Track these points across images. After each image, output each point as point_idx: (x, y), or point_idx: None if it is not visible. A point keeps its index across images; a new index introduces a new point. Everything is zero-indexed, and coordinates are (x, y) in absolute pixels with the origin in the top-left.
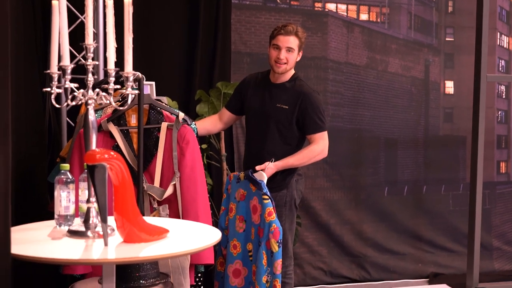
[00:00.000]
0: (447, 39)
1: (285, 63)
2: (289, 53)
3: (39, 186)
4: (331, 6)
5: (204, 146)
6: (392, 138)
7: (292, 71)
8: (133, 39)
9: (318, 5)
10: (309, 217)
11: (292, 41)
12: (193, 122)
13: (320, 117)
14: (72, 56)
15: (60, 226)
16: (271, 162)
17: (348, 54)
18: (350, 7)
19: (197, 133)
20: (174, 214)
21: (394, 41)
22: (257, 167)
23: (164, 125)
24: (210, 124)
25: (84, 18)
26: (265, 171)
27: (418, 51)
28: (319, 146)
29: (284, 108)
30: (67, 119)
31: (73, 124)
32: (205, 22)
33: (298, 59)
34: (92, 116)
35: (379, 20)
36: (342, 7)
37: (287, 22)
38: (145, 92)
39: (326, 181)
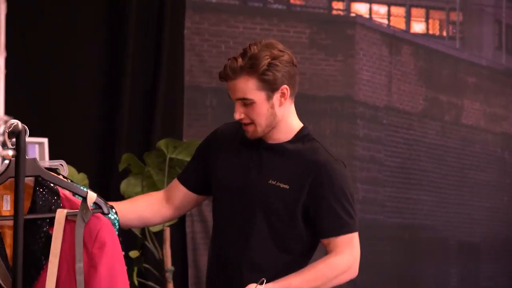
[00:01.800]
0: None
1: (250, 123)
2: (246, 108)
3: None
4: (360, 8)
5: (133, 253)
6: (472, 243)
7: (297, 124)
8: (11, 61)
9: (337, 5)
10: None
11: (240, 88)
12: (113, 210)
13: (347, 207)
14: None
15: None
16: (260, 285)
17: (391, 93)
18: (394, 9)
19: (119, 228)
20: None
21: (471, 70)
22: None
23: (61, 213)
24: (147, 207)
25: None
26: None
27: None
28: (344, 259)
29: (283, 188)
30: None
31: None
32: (138, 33)
33: (280, 105)
34: None
35: (445, 33)
36: (380, 9)
37: (250, 44)
38: (28, 156)
39: None
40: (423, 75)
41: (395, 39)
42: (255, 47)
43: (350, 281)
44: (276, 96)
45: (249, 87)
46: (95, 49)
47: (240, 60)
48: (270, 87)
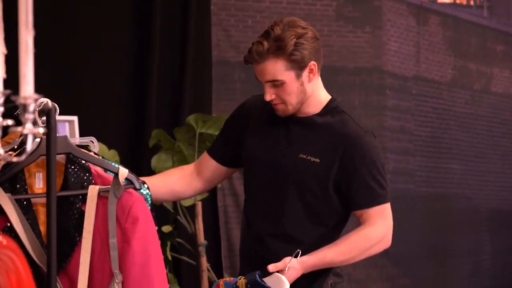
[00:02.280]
0: None
1: (281, 103)
2: (276, 89)
3: None
4: None
5: (166, 228)
6: (503, 210)
7: (325, 96)
8: (39, 39)
9: None
10: None
11: (269, 70)
12: (145, 185)
13: (379, 178)
14: None
15: None
16: (295, 257)
17: (419, 63)
18: None
19: (151, 203)
20: None
21: (500, 38)
22: (271, 267)
23: (93, 190)
24: (178, 180)
25: None
26: (285, 274)
27: None
28: (377, 229)
29: (314, 161)
30: None
31: None
32: (164, 9)
33: (309, 81)
34: None
35: (472, 2)
36: None
37: (272, 24)
38: (59, 134)
39: None
40: (452, 44)
41: (422, 10)
42: (278, 27)
43: (382, 251)
44: (305, 73)
45: (278, 68)
46: (122, 26)
47: (265, 43)
48: (299, 66)
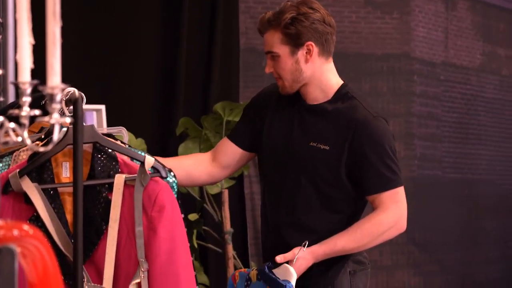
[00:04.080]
0: None
1: (279, 78)
2: (274, 62)
3: None
4: None
5: (192, 216)
6: None
7: (336, 82)
8: (65, 29)
9: None
10: None
11: (268, 41)
12: (171, 173)
13: (389, 163)
14: None
15: None
16: (303, 247)
17: (447, 49)
18: None
19: (177, 191)
20: None
21: None
22: (279, 258)
23: (119, 179)
24: (194, 164)
25: None
26: (293, 264)
27: None
28: (389, 214)
29: (324, 149)
30: None
31: None
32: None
33: (306, 62)
34: None
35: None
36: None
37: (288, 1)
38: (86, 123)
39: (414, 274)
40: (480, 29)
41: None
42: (289, 3)
43: (409, 237)
44: (302, 52)
45: (274, 40)
46: (150, 14)
47: (269, 14)
48: (293, 42)
